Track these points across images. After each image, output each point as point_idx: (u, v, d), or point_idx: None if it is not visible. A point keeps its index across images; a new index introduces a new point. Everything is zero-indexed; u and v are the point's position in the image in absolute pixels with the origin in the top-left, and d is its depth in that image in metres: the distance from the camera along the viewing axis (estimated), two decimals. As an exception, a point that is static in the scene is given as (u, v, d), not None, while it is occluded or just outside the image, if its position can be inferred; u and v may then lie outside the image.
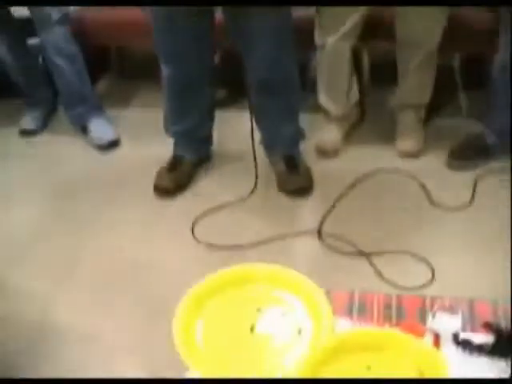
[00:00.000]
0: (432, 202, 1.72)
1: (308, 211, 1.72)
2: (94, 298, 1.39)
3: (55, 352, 1.26)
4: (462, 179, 1.78)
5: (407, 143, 1.93)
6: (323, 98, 1.99)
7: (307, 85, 2.01)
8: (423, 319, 0.94)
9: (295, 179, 1.81)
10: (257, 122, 1.77)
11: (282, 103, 1.74)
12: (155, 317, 1.10)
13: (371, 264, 1.41)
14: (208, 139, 1.98)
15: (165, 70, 1.73)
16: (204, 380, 0.72)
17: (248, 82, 1.68)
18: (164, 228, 1.69)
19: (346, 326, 0.95)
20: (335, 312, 0.95)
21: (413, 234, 1.56)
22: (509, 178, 1.66)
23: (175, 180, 1.87)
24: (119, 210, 1.78)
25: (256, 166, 1.69)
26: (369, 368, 0.86)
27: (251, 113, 1.65)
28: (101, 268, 1.52)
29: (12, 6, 1.91)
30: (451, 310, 0.96)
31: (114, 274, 1.48)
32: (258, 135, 1.81)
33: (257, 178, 1.72)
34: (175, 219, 1.73)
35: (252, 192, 1.74)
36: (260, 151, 1.85)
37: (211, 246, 1.54)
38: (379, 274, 1.36)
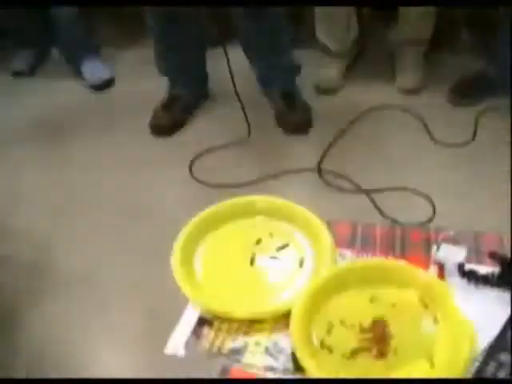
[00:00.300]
0: (433, 138, 1.65)
1: (307, 149, 1.65)
2: (91, 237, 1.34)
3: (54, 291, 1.22)
4: (464, 116, 1.71)
5: (408, 79, 1.85)
6: (322, 34, 1.89)
7: (305, 20, 1.90)
8: (428, 251, 0.90)
9: (294, 116, 1.74)
10: (250, 58, 1.70)
11: (271, 31, 1.65)
12: (154, 254, 1.05)
13: (371, 201, 1.35)
14: (203, 77, 1.90)
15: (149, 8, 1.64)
16: (210, 380, 0.70)
17: (235, 12, 1.59)
18: (161, 167, 1.62)
19: (348, 258, 0.91)
20: (337, 243, 0.91)
21: (413, 170, 1.49)
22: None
23: (172, 118, 1.80)
24: (115, 148, 1.70)
25: (243, 107, 1.61)
26: (372, 300, 0.83)
27: (226, 53, 1.57)
28: (98, 206, 1.46)
29: (12, 5, 1.83)
30: (456, 241, 0.92)
31: (110, 213, 1.42)
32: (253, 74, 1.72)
33: (246, 116, 1.64)
34: (172, 158, 1.65)
35: (249, 131, 1.67)
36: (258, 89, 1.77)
37: (209, 185, 1.47)
38: (379, 211, 1.31)
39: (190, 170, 1.59)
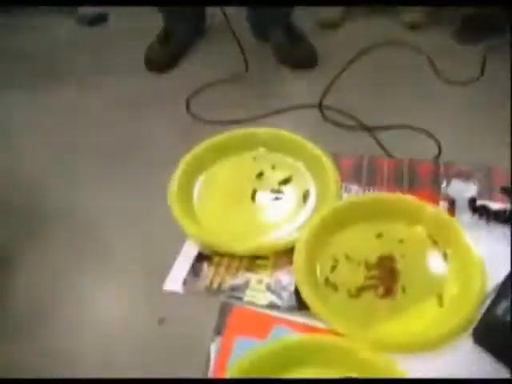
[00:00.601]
0: (439, 75, 1.58)
1: (308, 85, 1.59)
2: (86, 174, 1.29)
3: (50, 231, 1.18)
4: (470, 53, 1.63)
5: (412, 13, 1.77)
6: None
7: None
8: (437, 185, 0.84)
9: (297, 51, 1.67)
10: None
11: None
12: (151, 190, 1.00)
13: (374, 138, 1.30)
14: (200, 12, 1.82)
15: None
16: (205, 380, 0.65)
17: None
18: (158, 103, 1.56)
19: (354, 192, 0.85)
20: (342, 177, 0.86)
21: (418, 108, 1.44)
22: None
23: (167, 53, 1.72)
24: (109, 85, 1.63)
25: (238, 41, 1.54)
26: (379, 235, 0.78)
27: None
28: (92, 144, 1.40)
29: (13, 5, 1.72)
30: (467, 176, 0.86)
31: (106, 149, 1.36)
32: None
33: (242, 49, 1.56)
34: (169, 95, 1.59)
35: (246, 65, 1.59)
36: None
37: (207, 121, 1.41)
38: (383, 149, 1.25)
39: (187, 106, 1.52)
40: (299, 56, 1.66)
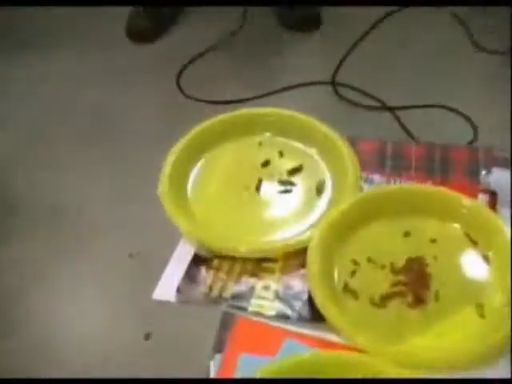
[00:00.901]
0: (470, 42, 1.55)
1: (318, 58, 1.58)
2: (64, 156, 1.28)
3: (21, 229, 1.17)
4: (505, 20, 1.61)
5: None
6: None
7: None
8: (476, 175, 0.83)
9: (298, 11, 1.65)
10: None
11: None
12: (138, 181, 0.99)
13: (397, 119, 1.28)
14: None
15: None
16: (208, 380, 0.66)
17: None
18: (144, 79, 1.54)
19: (376, 183, 0.84)
20: (363, 166, 0.84)
21: (447, 82, 1.42)
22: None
23: (152, 20, 1.70)
24: (89, 58, 1.61)
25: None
26: (407, 234, 0.77)
27: None
28: (72, 123, 1.39)
29: (12, 5, 1.73)
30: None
31: (86, 131, 1.35)
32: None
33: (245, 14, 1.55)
34: (156, 68, 1.57)
35: (243, 26, 1.57)
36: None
37: (202, 101, 1.39)
38: (407, 131, 1.23)
39: (178, 82, 1.50)
40: (299, 16, 1.65)
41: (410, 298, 0.70)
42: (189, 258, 0.78)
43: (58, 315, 0.96)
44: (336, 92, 1.41)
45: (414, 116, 1.30)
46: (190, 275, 0.76)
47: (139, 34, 1.71)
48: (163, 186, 0.82)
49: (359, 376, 0.63)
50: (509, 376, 0.64)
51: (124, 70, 1.57)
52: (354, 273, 0.74)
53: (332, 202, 0.82)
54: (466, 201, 0.77)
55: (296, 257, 0.76)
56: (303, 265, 0.73)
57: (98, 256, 1.03)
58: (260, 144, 0.90)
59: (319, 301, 0.69)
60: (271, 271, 0.76)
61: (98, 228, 1.08)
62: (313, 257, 0.73)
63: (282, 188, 0.85)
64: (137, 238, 1.05)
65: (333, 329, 0.68)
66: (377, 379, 0.62)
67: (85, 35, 1.72)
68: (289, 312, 0.71)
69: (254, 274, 0.75)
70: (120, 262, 1.01)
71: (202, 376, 0.65)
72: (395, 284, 0.72)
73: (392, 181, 0.85)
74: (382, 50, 1.55)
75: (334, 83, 1.44)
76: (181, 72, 1.52)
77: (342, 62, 1.49)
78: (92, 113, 1.43)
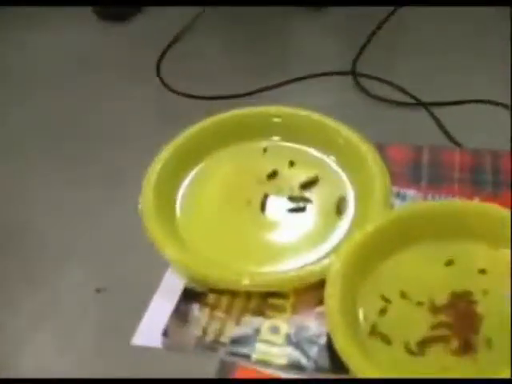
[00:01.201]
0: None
1: (334, 42, 1.58)
2: (21, 156, 1.28)
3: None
4: None
5: None
6: None
7: None
8: (534, 188, 0.84)
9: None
10: None
11: None
12: (116, 196, 1.00)
13: (435, 118, 1.28)
14: None
15: None
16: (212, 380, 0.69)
17: None
18: (118, 68, 1.54)
19: (410, 199, 0.86)
20: (393, 177, 0.86)
21: (498, 74, 1.43)
22: None
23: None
24: (52, 38, 1.63)
25: None
26: (450, 263, 0.78)
27: None
28: (29, 115, 1.40)
29: (12, 5, 1.79)
30: None
31: (54, 138, 1.36)
32: None
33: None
34: (131, 55, 1.58)
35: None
36: None
37: (191, 96, 1.39)
38: (446, 133, 1.24)
39: (158, 71, 1.50)
40: None
41: (454, 345, 0.71)
42: (177, 292, 0.79)
43: (11, 367, 0.96)
44: (358, 84, 1.41)
45: (457, 114, 1.29)
46: (180, 315, 0.77)
47: (109, 12, 1.72)
48: (146, 202, 0.83)
49: None
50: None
51: (93, 58, 1.58)
52: (383, 311, 0.74)
53: (355, 224, 0.83)
54: (522, 221, 0.78)
55: (311, 291, 0.76)
56: (320, 301, 0.74)
57: (57, 292, 1.03)
58: (265, 151, 0.91)
59: (341, 346, 0.69)
60: (280, 309, 0.77)
61: (58, 254, 1.08)
62: (332, 291, 0.73)
63: (293, 205, 0.86)
64: (108, 267, 1.05)
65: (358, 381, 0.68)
66: (377, 379, 0.65)
67: (43, 16, 1.73)
68: (303, 360, 0.71)
69: (259, 313, 0.76)
70: (84, 300, 1.01)
71: None
72: (436, 326, 0.72)
73: (430, 196, 0.86)
74: (412, 32, 1.56)
75: (355, 73, 1.44)
76: (161, 58, 1.53)
77: (364, 46, 1.50)
78: (56, 108, 1.43)
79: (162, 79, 1.46)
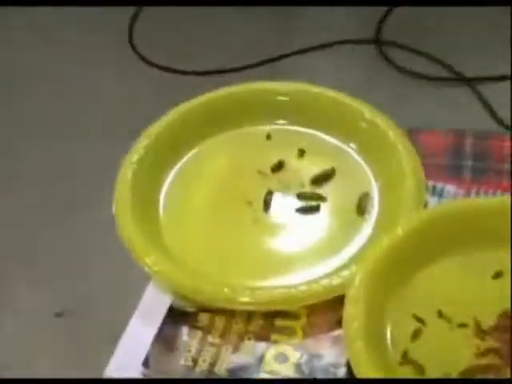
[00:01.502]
0: None
1: (349, 7, 1.59)
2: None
3: None
4: None
5: None
6: None
7: None
8: None
9: None
10: None
11: None
12: (86, 197, 1.01)
13: (479, 97, 1.30)
14: None
15: None
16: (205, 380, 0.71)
17: None
18: (82, 40, 1.55)
19: (450, 196, 0.87)
20: (428, 169, 0.87)
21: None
22: None
23: None
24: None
25: None
26: (499, 275, 0.78)
27: None
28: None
29: (12, 5, 1.82)
30: None
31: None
32: None
33: None
34: (98, 21, 1.59)
35: None
36: None
37: (173, 72, 1.40)
38: (496, 118, 1.25)
39: (131, 42, 1.52)
40: None
41: (506, 375, 0.71)
42: (161, 313, 0.79)
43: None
44: (383, 55, 1.42)
45: (507, 92, 1.31)
46: (164, 340, 0.77)
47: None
48: (121, 202, 0.84)
49: None
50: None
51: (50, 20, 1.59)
52: (417, 335, 0.74)
53: (381, 226, 0.83)
54: None
55: (327, 310, 0.77)
56: (338, 322, 0.74)
57: (17, 315, 1.05)
58: (269, 137, 0.92)
59: (365, 377, 0.69)
60: (289, 332, 0.77)
61: (11, 271, 1.09)
62: (353, 310, 0.73)
63: (304, 205, 0.87)
64: (72, 283, 1.06)
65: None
66: (377, 379, 0.67)
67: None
68: (317, 395, 0.71)
69: (262, 337, 0.77)
70: (43, 324, 1.02)
71: None
72: (483, 353, 0.73)
73: (474, 192, 0.87)
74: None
75: (379, 41, 1.45)
76: (132, 23, 1.54)
77: (390, 9, 1.51)
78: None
79: (134, 47, 1.47)
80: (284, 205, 0.87)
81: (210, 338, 0.77)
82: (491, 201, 0.85)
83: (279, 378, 0.71)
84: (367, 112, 0.90)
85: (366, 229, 0.84)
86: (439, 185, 0.87)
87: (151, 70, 1.42)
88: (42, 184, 1.17)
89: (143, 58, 1.46)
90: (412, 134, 0.89)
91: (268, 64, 1.37)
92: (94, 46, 1.52)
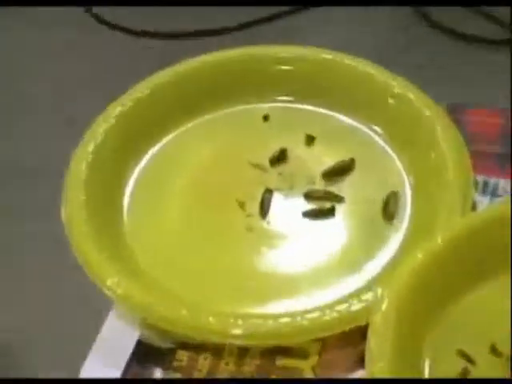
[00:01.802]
0: None
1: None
2: None
3: None
4: None
5: None
6: None
7: None
8: None
9: None
10: None
11: None
12: (26, 188, 1.02)
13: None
14: None
15: None
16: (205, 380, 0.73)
17: None
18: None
19: (505, 194, 0.88)
20: (477, 159, 0.87)
21: None
22: None
23: None
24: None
25: None
26: None
27: None
28: None
29: (12, 5, 1.90)
30: None
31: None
32: None
33: None
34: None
35: None
36: None
37: (141, 35, 1.41)
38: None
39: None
40: None
41: None
42: (127, 350, 0.79)
43: None
44: (419, 11, 1.43)
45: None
46: (132, 385, 0.75)
47: None
48: (74, 205, 0.83)
49: None
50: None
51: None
52: (465, 374, 0.74)
53: (415, 235, 0.83)
54: None
55: (344, 345, 0.77)
56: (359, 361, 0.74)
57: None
58: (267, 119, 0.92)
59: None
60: (296, 374, 0.77)
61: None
62: (379, 345, 0.73)
63: (314, 207, 0.87)
64: (7, 314, 1.07)
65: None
66: (377, 379, 0.68)
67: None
68: None
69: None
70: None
71: None
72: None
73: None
74: None
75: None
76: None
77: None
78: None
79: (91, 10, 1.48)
80: (287, 207, 0.87)
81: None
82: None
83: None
84: (397, 85, 0.90)
85: (395, 238, 0.84)
86: (492, 180, 0.87)
87: (113, 32, 1.44)
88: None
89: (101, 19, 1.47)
90: (456, 113, 0.89)
91: (262, 24, 1.37)
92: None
